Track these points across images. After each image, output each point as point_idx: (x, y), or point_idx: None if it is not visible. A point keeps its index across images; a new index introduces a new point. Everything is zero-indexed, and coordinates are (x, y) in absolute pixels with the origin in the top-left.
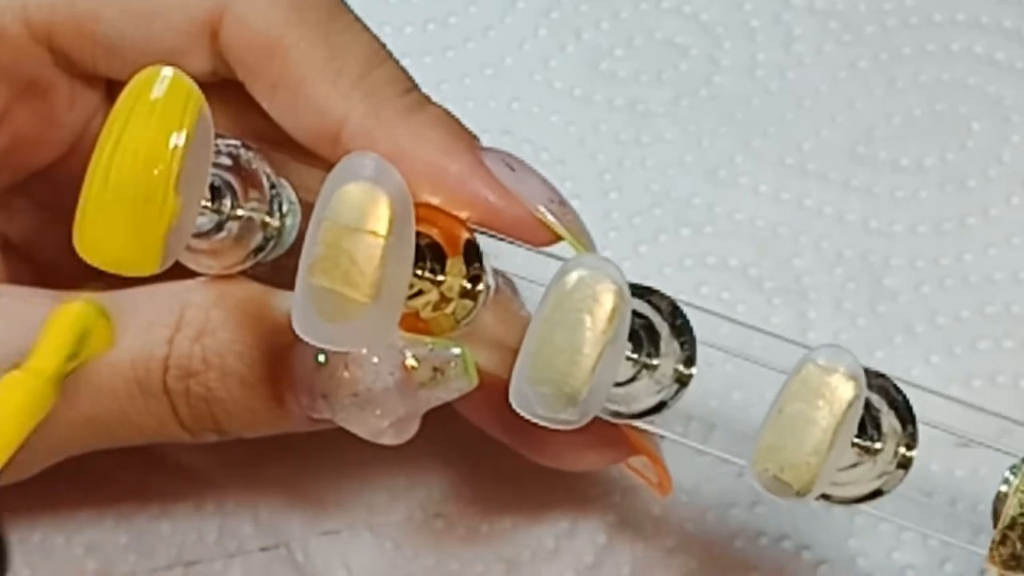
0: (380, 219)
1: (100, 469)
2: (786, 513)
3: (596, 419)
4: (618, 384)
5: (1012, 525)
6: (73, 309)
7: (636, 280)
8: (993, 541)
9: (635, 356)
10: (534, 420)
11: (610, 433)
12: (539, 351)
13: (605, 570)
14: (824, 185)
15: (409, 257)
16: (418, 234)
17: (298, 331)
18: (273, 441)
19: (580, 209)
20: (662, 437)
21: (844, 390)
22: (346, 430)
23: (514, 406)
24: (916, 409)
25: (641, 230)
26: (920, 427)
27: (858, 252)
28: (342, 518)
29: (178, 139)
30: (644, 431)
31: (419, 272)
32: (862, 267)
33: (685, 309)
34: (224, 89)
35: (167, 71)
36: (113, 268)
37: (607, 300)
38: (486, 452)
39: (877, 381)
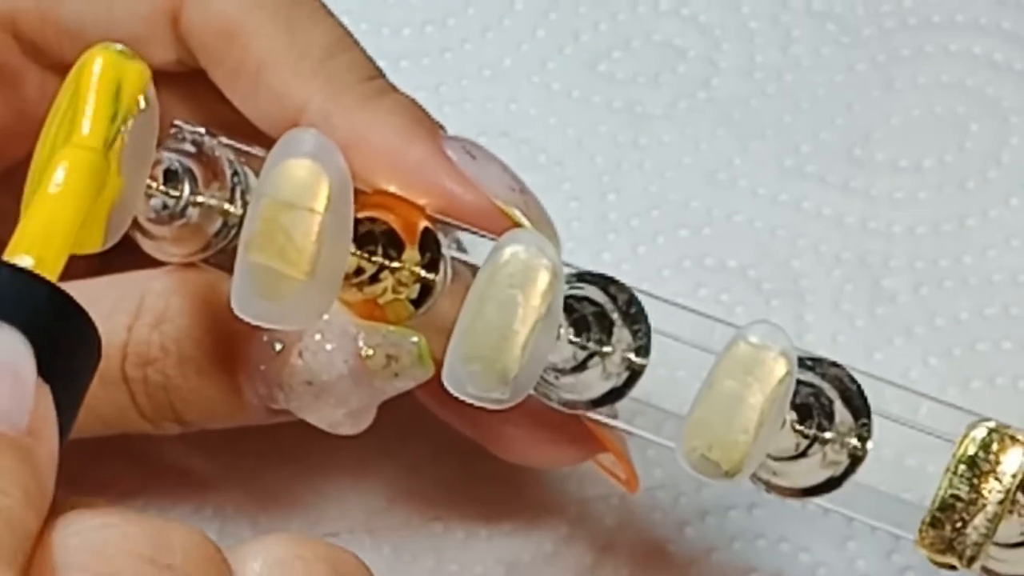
0: (318, 196)
1: (100, 473)
2: (785, 515)
3: (561, 416)
4: (569, 371)
5: (943, 507)
6: (100, 66)
7: (634, 282)
8: (923, 523)
9: (578, 340)
10: (465, 399)
11: (575, 429)
12: (470, 328)
13: (604, 572)
14: (822, 187)
15: (347, 235)
16: (374, 220)
17: (235, 308)
18: (272, 445)
19: (578, 210)
20: (629, 434)
21: (775, 367)
22: (341, 435)
23: (446, 385)
24: (912, 409)
25: (639, 232)
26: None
27: (857, 254)
28: (340, 522)
29: (118, 115)
30: (611, 427)
31: (374, 258)
32: (861, 269)
33: (651, 302)
34: (190, 80)
35: (115, 47)
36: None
37: (540, 277)
38: (485, 455)
39: (832, 371)
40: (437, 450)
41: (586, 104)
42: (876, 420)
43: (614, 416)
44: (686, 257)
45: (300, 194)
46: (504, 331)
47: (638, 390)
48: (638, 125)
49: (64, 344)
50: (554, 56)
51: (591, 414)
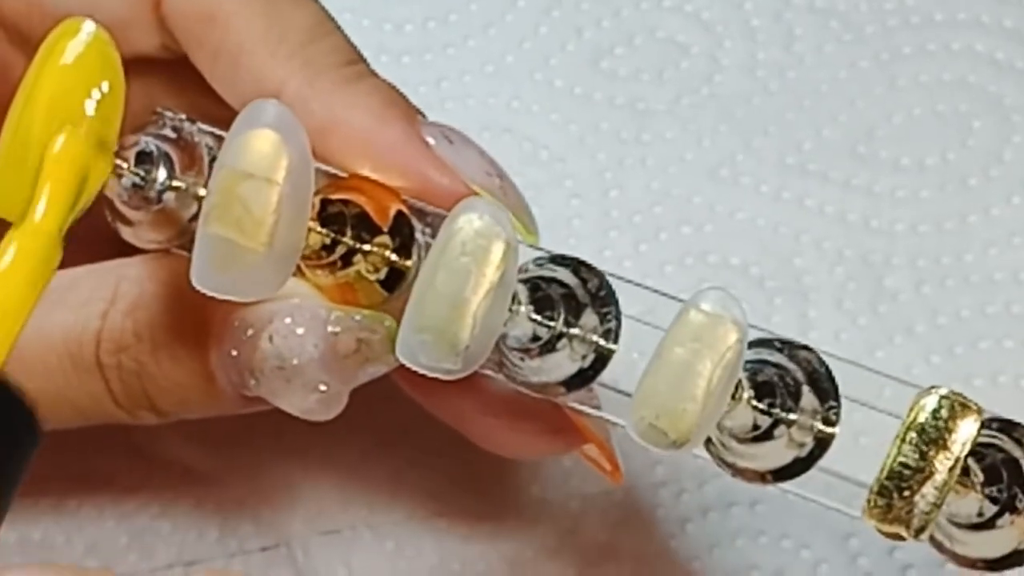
0: (276, 166)
1: (100, 469)
2: (787, 512)
3: (543, 405)
4: (537, 354)
5: (891, 475)
6: (70, 152)
7: (638, 279)
8: (871, 492)
9: (537, 318)
10: (418, 369)
11: (557, 420)
12: (422, 298)
13: (607, 569)
14: (825, 184)
15: (305, 208)
16: (347, 203)
17: (193, 281)
18: (274, 440)
19: (580, 207)
20: (613, 424)
21: (725, 334)
22: (344, 427)
23: (399, 355)
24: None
25: (642, 228)
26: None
27: (859, 252)
28: (343, 518)
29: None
30: (593, 418)
31: (344, 240)
32: (863, 266)
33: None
34: (176, 68)
35: (88, 24)
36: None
37: (495, 247)
38: (488, 450)
39: (801, 353)
40: (440, 445)
41: (588, 100)
42: (866, 413)
43: (596, 407)
44: (688, 254)
45: (259, 164)
46: (455, 300)
47: (624, 381)
48: (640, 122)
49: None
50: (556, 52)
51: (570, 403)
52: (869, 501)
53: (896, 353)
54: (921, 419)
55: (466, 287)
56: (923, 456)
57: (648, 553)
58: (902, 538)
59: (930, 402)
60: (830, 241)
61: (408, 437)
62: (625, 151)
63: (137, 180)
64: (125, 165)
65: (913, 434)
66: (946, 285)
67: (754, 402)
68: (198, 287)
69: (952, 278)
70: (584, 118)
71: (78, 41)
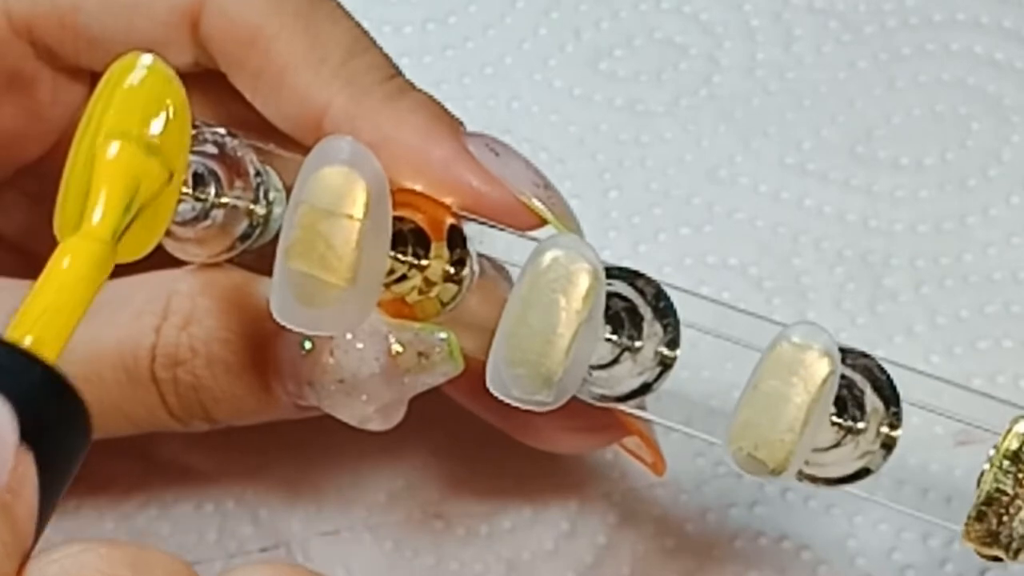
0: (356, 202)
1: (100, 470)
2: (786, 513)
3: (587, 404)
4: (601, 367)
5: (989, 501)
6: (123, 158)
7: None
8: (969, 517)
9: (614, 338)
10: (510, 402)
11: (603, 417)
12: (513, 332)
13: (605, 570)
14: (824, 185)
15: (386, 240)
16: (402, 219)
17: (276, 316)
18: (273, 441)
19: (580, 208)
20: (649, 421)
21: (818, 367)
22: (345, 429)
23: (490, 388)
24: (922, 400)
25: (641, 229)
26: (923, 422)
27: (858, 252)
28: (342, 518)
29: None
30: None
31: (403, 257)
32: (862, 267)
33: (672, 293)
34: (206, 79)
35: (147, 57)
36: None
37: (581, 280)
38: (486, 452)
39: (861, 361)
40: (438, 446)
41: (588, 102)
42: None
43: (642, 407)
44: (687, 255)
45: (338, 201)
46: (548, 335)
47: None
48: (639, 123)
49: (52, 418)
50: (556, 54)
51: (621, 407)
52: (967, 525)
53: (895, 353)
54: (1015, 446)
55: (558, 322)
56: (1018, 482)
57: (646, 555)
58: (1000, 559)
59: (1022, 428)
60: (829, 241)
61: (406, 440)
62: (624, 152)
63: (195, 204)
64: (188, 191)
65: (1007, 461)
66: (945, 285)
67: (835, 419)
68: (281, 322)
69: (951, 278)
70: (583, 119)
71: (140, 69)
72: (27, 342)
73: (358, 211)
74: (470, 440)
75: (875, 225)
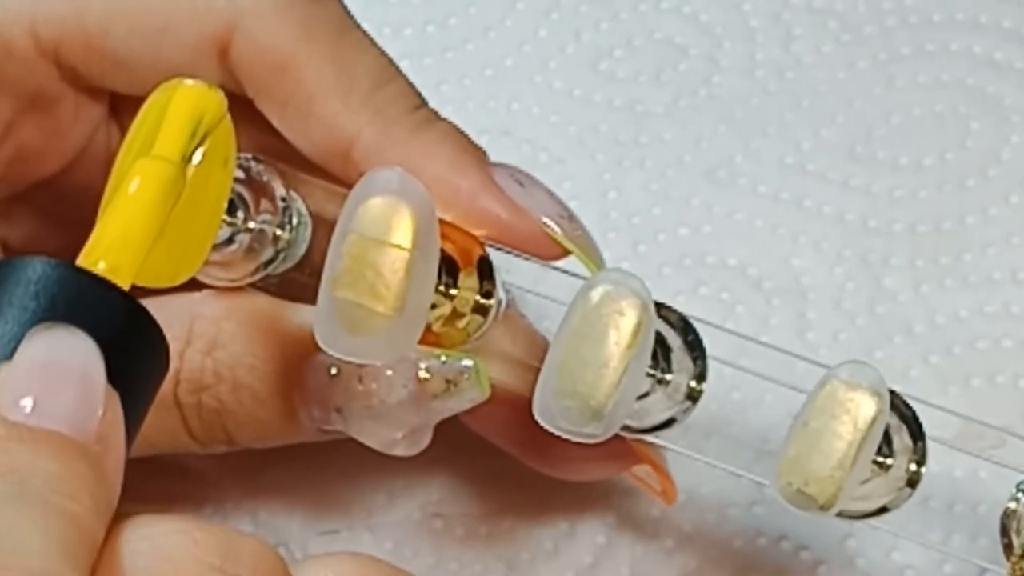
0: (405, 232)
1: None
2: (784, 513)
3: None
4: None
5: None
6: (185, 91)
7: None
8: (1015, 555)
9: (653, 372)
10: (558, 433)
11: (618, 446)
12: (564, 364)
13: (604, 571)
14: (823, 185)
15: (433, 271)
16: None
17: (321, 343)
18: None
19: (579, 209)
20: (661, 448)
21: (868, 405)
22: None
23: (538, 419)
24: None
25: (640, 230)
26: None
27: (857, 252)
28: (341, 519)
29: (196, 134)
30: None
31: (438, 287)
32: (861, 267)
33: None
34: (233, 105)
35: (190, 81)
36: (149, 281)
37: (632, 314)
38: (485, 453)
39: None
40: (438, 447)
41: (587, 103)
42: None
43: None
44: (687, 255)
45: (387, 231)
46: (599, 369)
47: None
48: (639, 123)
49: (133, 352)
50: (555, 55)
51: (648, 438)
52: (1012, 563)
53: (895, 353)
54: None
55: (611, 356)
56: None
57: (645, 555)
58: None
59: None
60: (828, 241)
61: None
62: (624, 153)
63: (227, 229)
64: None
65: None
66: (944, 285)
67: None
68: (326, 349)
69: (950, 278)
70: (583, 120)
71: (184, 88)
72: (100, 268)
73: (407, 241)
74: (470, 440)
75: (875, 225)
